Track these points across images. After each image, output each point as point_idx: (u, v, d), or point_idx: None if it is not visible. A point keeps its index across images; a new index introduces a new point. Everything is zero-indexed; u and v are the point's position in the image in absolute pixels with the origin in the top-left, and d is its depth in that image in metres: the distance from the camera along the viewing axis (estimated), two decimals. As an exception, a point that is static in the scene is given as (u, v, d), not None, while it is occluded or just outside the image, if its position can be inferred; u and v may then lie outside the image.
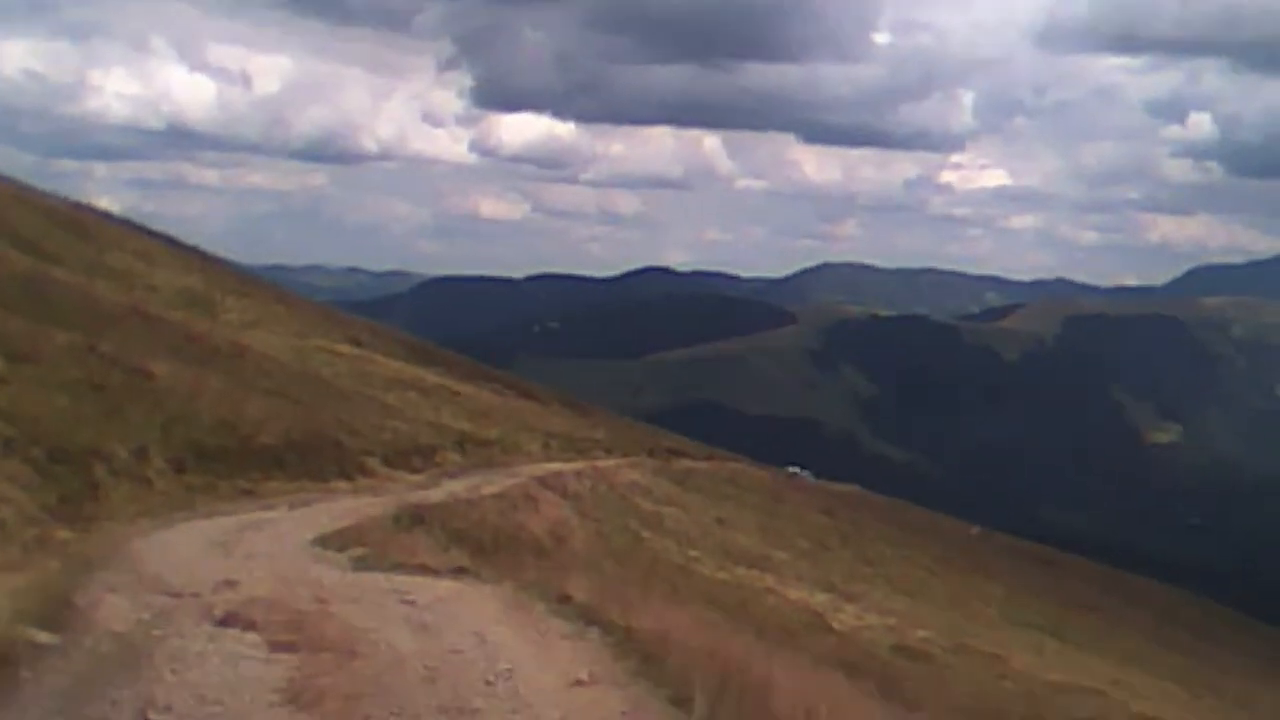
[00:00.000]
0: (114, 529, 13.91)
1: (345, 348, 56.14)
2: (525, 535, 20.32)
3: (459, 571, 12.34)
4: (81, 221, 57.21)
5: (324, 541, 14.37)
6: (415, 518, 17.29)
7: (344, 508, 19.01)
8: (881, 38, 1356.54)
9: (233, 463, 19.73)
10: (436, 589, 10.99)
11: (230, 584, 10.38)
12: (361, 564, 12.71)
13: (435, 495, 23.60)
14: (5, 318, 22.01)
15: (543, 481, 31.62)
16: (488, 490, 26.13)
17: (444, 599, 10.47)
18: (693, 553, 32.98)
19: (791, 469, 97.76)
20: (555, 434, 51.59)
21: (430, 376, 55.51)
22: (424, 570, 12.23)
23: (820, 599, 34.06)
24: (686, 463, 59.45)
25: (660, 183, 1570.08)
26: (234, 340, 41.23)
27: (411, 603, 10.04)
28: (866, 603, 36.10)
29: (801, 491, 68.31)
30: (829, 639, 27.38)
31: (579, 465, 41.50)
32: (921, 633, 32.88)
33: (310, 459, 23.12)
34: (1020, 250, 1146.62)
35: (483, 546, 17.32)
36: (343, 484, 23.28)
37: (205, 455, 19.08)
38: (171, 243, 69.47)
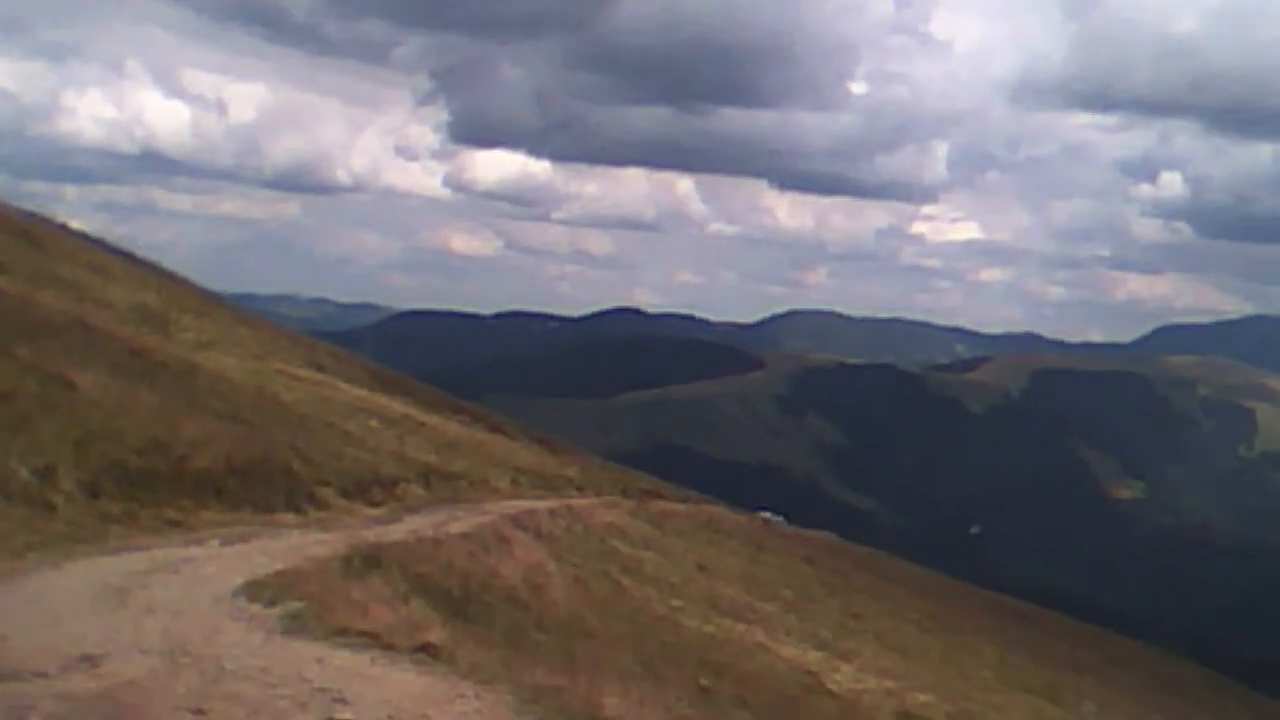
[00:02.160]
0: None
1: (306, 372, 53.21)
2: (499, 583, 17.51)
3: (425, 651, 9.37)
4: (33, 231, 54.13)
5: (252, 590, 11.53)
6: (370, 560, 14.46)
7: (287, 545, 16.16)
8: (858, 87, 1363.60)
9: (160, 488, 16.86)
10: (389, 689, 7.90)
11: (91, 662, 7.55)
12: (294, 625, 9.87)
13: (395, 532, 20.82)
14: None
15: (515, 520, 28.85)
16: (455, 528, 23.31)
17: (400, 717, 7.38)
18: (676, 602, 30.27)
19: (763, 514, 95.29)
20: (525, 469, 48.91)
21: (395, 405, 52.64)
22: (375, 643, 9.36)
23: (813, 657, 31.47)
24: (663, 504, 56.74)
25: (633, 224, 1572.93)
26: (185, 358, 38.32)
27: (346, 724, 7.04)
28: (860, 661, 33.49)
29: (780, 538, 65.60)
30: (829, 704, 24.84)
31: (552, 504, 38.84)
32: (923, 697, 30.33)
33: (254, 487, 20.26)
34: (989, 303, 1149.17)
35: (450, 597, 14.57)
36: (290, 516, 20.42)
37: (127, 479, 16.22)
38: (129, 258, 66.44)
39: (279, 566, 13.10)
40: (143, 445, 17.45)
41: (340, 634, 9.54)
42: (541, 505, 36.99)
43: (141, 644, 8.42)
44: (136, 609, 10.01)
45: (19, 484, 13.94)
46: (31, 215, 60.37)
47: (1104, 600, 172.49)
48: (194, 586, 11.59)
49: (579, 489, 50.73)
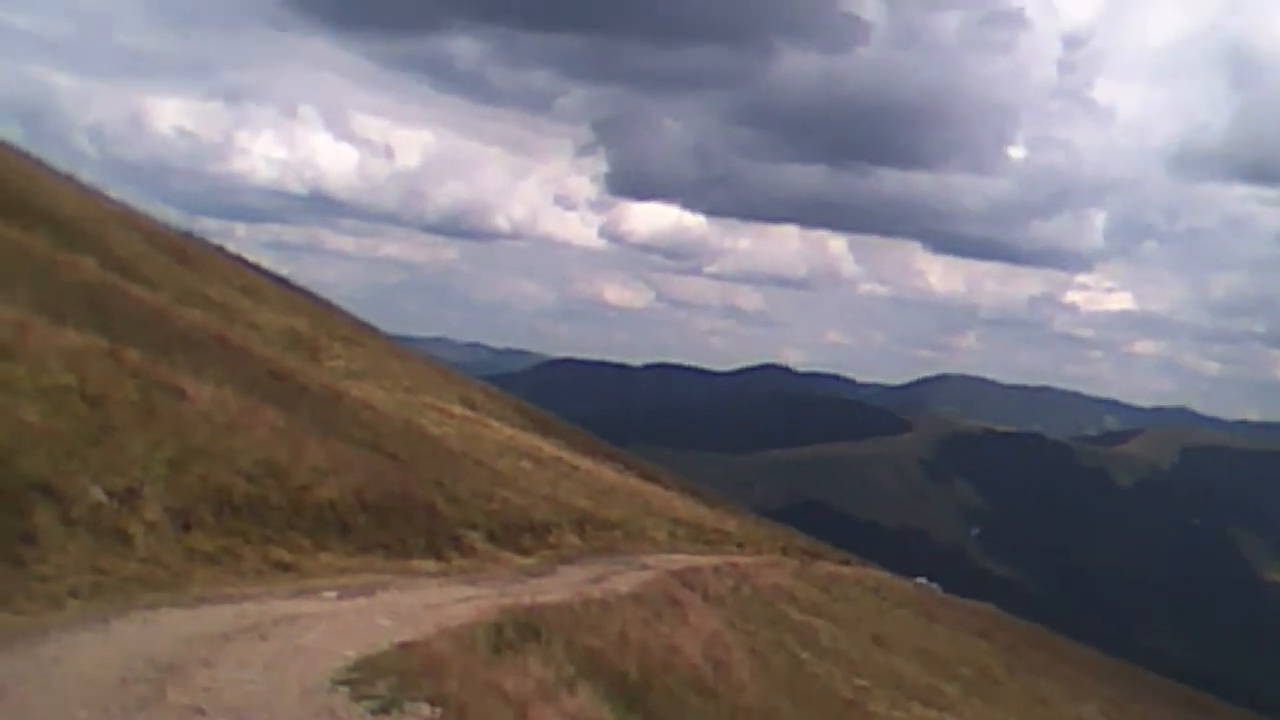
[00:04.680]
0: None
1: (457, 408, 50.63)
2: (679, 661, 13.96)
3: None
4: (188, 251, 52.57)
5: (363, 677, 8.11)
6: (526, 628, 11.08)
7: (421, 601, 12.83)
8: (1016, 152, 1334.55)
9: (271, 522, 13.66)
10: None
11: None
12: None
13: (552, 588, 17.43)
14: (24, 312, 16.43)
15: (682, 579, 25.31)
16: (621, 587, 19.86)
17: None
18: (860, 682, 26.50)
19: (919, 580, 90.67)
20: (682, 522, 45.44)
21: (547, 447, 49.64)
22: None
23: (1011, 753, 27.42)
24: (827, 566, 52.71)
25: (784, 281, 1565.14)
26: (329, 384, 35.77)
27: None
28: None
29: (949, 608, 60.91)
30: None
31: (714, 560, 35.33)
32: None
33: (389, 526, 17.07)
34: (1141, 376, 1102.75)
35: (626, 683, 11.12)
36: (429, 563, 17.15)
37: (230, 508, 13.04)
38: (284, 284, 64.99)
39: (406, 635, 9.75)
40: (255, 469, 14.30)
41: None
42: (704, 562, 33.56)
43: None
44: (175, 708, 6.69)
45: (88, 507, 10.83)
46: (188, 235, 58.97)
47: (1249, 683, 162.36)
48: (280, 665, 8.25)
49: (739, 545, 47.17)
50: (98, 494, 11.20)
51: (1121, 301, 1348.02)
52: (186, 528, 12.08)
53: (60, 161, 51.96)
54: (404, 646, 9.21)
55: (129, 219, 51.67)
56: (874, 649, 33.97)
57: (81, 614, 8.75)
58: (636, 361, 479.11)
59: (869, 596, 47.53)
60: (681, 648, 15.04)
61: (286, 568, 12.99)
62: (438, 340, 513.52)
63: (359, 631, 10.06)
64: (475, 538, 20.94)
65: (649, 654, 13.06)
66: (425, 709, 7.30)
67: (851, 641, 32.86)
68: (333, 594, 12.27)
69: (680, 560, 31.84)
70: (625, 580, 21.74)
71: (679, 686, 12.78)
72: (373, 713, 7.28)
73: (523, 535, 24.32)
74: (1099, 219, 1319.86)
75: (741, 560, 39.27)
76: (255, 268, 65.13)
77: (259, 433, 16.30)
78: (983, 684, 38.51)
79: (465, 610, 12.03)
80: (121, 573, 10.33)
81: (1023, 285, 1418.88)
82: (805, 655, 26.02)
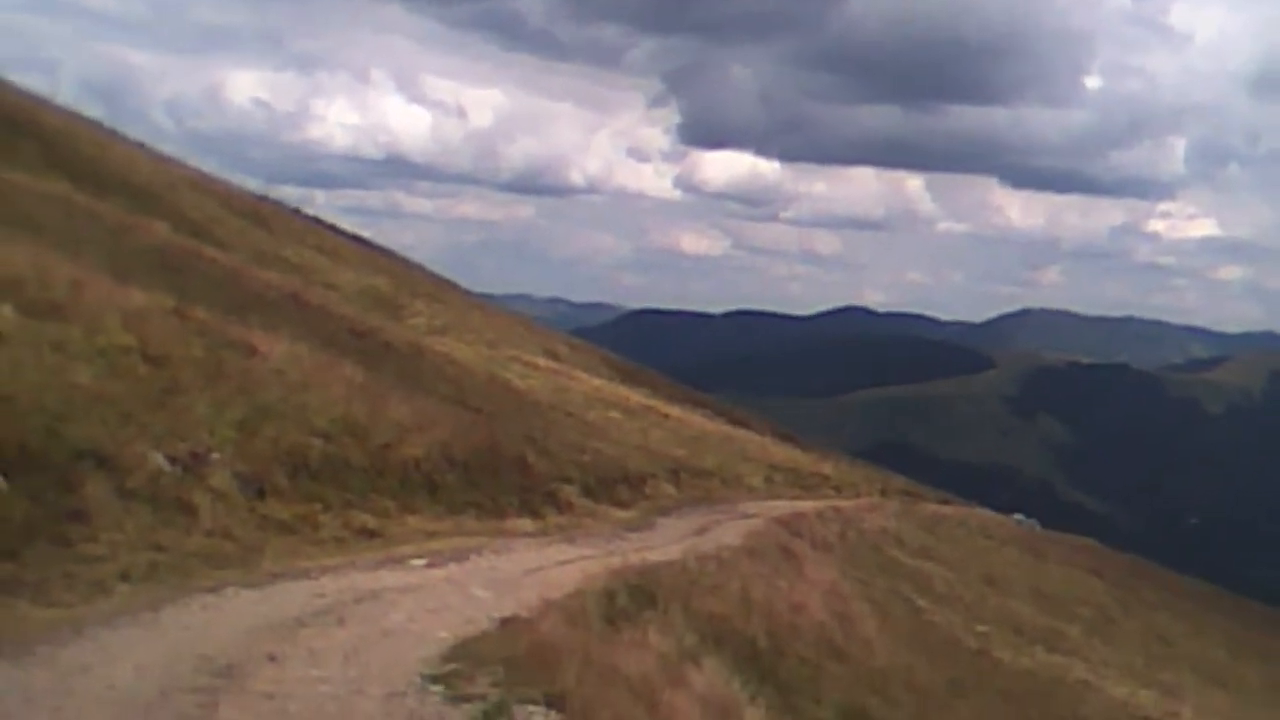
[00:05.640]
0: (27, 614, 6.75)
1: (542, 360, 49.54)
2: (805, 621, 12.59)
3: None
4: (261, 212, 51.86)
5: (460, 667, 6.71)
6: (640, 593, 9.80)
7: (520, 566, 11.58)
8: (1092, 82, 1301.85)
9: (352, 485, 12.44)
10: None
11: None
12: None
13: (657, 543, 16.19)
14: (86, 273, 15.36)
15: (788, 526, 23.96)
16: (727, 539, 18.54)
17: None
18: (980, 628, 25.03)
19: (1017, 517, 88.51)
20: (779, 467, 44.06)
21: (635, 396, 48.42)
22: None
23: (1144, 697, 25.85)
24: (930, 507, 51.13)
25: (861, 223, 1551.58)
26: (411, 340, 34.77)
27: None
28: (1194, 702, 27.67)
29: (1055, 545, 59.00)
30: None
31: (815, 505, 33.96)
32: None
33: (480, 484, 15.85)
34: (1228, 302, 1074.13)
35: (755, 651, 9.81)
36: (525, 522, 15.92)
37: (307, 471, 11.85)
38: (363, 243, 64.32)
39: (507, 608, 8.48)
40: (333, 428, 13.09)
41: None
42: (806, 506, 32.20)
43: None
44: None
45: (147, 476, 9.69)
46: (264, 198, 58.26)
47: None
48: (361, 657, 6.94)
49: (835, 488, 45.70)
50: (158, 461, 10.06)
51: (1204, 228, 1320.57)
52: (259, 495, 10.92)
53: (139, 136, 51.52)
54: (507, 625, 7.91)
55: (203, 184, 51.05)
56: (988, 591, 32.45)
57: (129, 602, 7.54)
58: (717, 310, 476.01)
59: (974, 536, 45.89)
60: (805, 606, 13.70)
61: (370, 534, 11.78)
62: (518, 297, 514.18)
63: (453, 606, 8.80)
64: (570, 492, 19.71)
65: (775, 617, 11.76)
66: (540, 715, 5.93)
67: (965, 585, 31.38)
68: (421, 562, 11.06)
69: (781, 506, 30.57)
70: (730, 531, 20.48)
71: (810, 651, 11.46)
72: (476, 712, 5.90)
73: (618, 487, 23.10)
74: (1179, 146, 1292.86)
75: (843, 504, 37.86)
76: (333, 229, 64.48)
77: (336, 389, 15.14)
78: (1101, 624, 36.88)
79: (570, 575, 10.76)
80: (183, 549, 9.16)
81: (1103, 216, 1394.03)
82: (922, 603, 24.62)
